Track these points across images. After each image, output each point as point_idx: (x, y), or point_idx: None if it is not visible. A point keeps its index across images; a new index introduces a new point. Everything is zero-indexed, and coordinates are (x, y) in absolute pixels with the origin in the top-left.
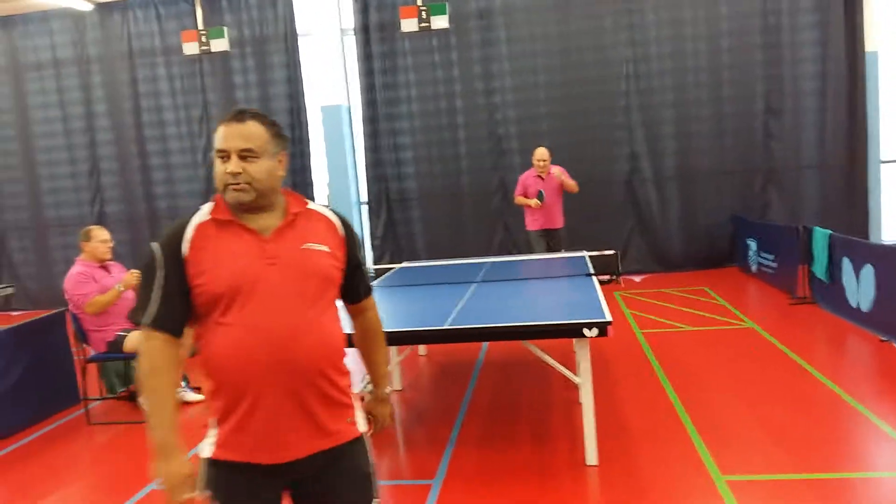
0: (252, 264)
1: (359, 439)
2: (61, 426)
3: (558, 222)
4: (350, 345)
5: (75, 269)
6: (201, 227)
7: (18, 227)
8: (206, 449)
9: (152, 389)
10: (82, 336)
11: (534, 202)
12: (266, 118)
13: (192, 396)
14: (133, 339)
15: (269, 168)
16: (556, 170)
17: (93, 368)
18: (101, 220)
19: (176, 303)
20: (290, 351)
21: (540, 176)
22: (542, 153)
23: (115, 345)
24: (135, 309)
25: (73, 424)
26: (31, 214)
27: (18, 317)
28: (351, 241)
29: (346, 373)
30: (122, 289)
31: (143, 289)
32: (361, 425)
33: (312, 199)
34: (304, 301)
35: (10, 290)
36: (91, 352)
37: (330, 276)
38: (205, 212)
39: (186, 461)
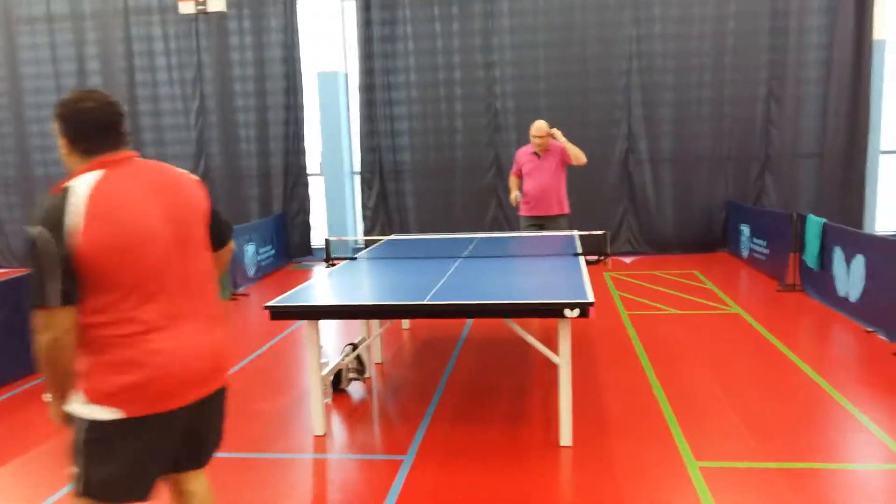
0: None
1: None
2: (40, 385)
3: (557, 208)
4: None
5: None
6: None
7: (6, 184)
8: None
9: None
10: None
11: (511, 197)
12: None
13: None
14: None
15: (62, 148)
16: (557, 135)
17: None
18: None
19: None
20: None
21: (536, 153)
22: (538, 128)
23: None
24: None
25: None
26: (19, 171)
27: (2, 274)
28: None
29: None
30: None
31: None
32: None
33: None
34: None
35: None
36: None
37: None
38: None
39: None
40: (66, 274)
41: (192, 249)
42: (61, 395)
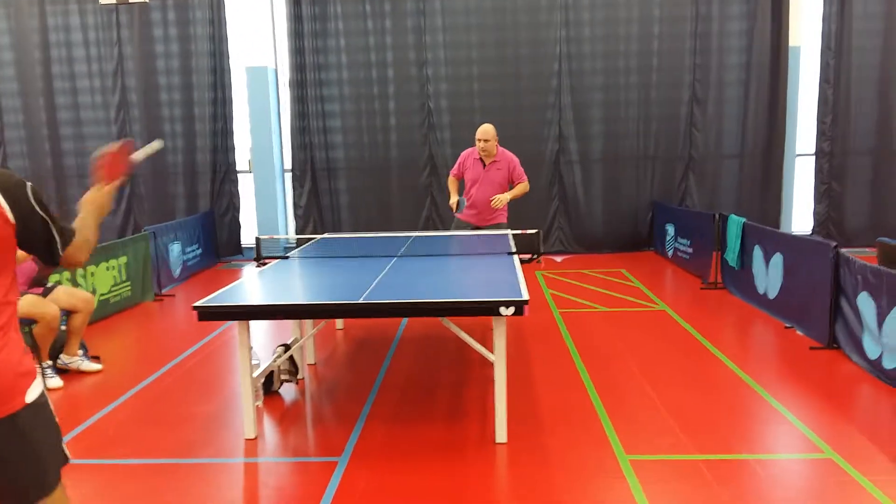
0: None
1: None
2: None
3: (494, 218)
4: None
5: None
6: None
7: None
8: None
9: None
10: None
11: (451, 202)
12: None
13: (88, 366)
14: (27, 303)
15: None
16: (505, 161)
17: None
18: None
19: None
20: None
21: (482, 160)
22: (484, 131)
23: None
24: (66, 230)
25: None
26: None
27: None
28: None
29: None
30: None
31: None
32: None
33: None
34: None
35: None
36: None
37: None
38: None
39: None
40: None
41: None
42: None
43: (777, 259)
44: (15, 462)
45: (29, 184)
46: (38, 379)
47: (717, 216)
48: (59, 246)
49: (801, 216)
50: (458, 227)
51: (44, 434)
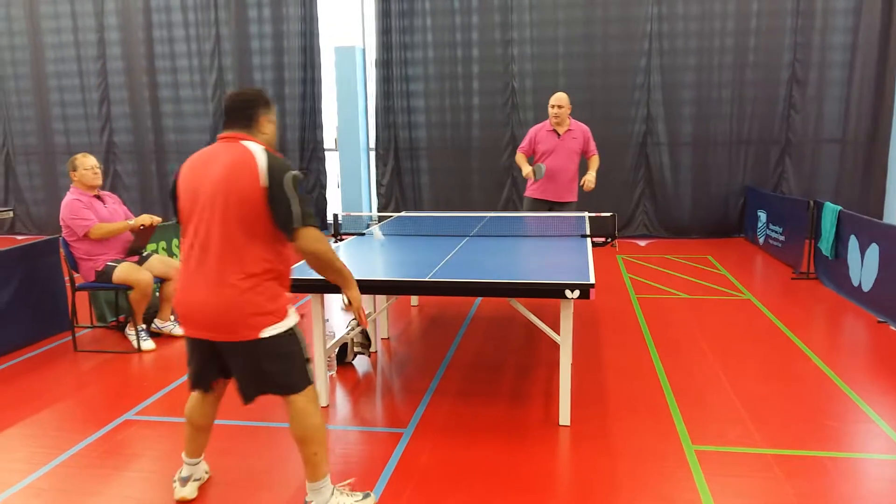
0: None
1: None
2: (47, 351)
3: (566, 195)
4: None
5: (72, 197)
6: None
7: (27, 152)
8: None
9: (341, 262)
10: (73, 264)
11: (526, 171)
12: None
13: (179, 331)
14: (123, 270)
15: None
16: (580, 130)
17: (84, 297)
18: (109, 150)
19: None
20: None
21: (555, 131)
22: (558, 98)
23: (104, 274)
24: (307, 214)
25: (59, 350)
26: (40, 139)
27: (21, 240)
28: None
29: None
30: (133, 224)
31: (304, 198)
32: None
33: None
34: None
35: (10, 213)
36: (81, 280)
37: None
38: None
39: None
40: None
41: (217, 217)
42: (347, 275)
43: (873, 250)
44: (249, 372)
45: (293, 172)
46: (285, 321)
47: (811, 203)
48: (293, 223)
49: None
50: (530, 208)
51: (276, 361)
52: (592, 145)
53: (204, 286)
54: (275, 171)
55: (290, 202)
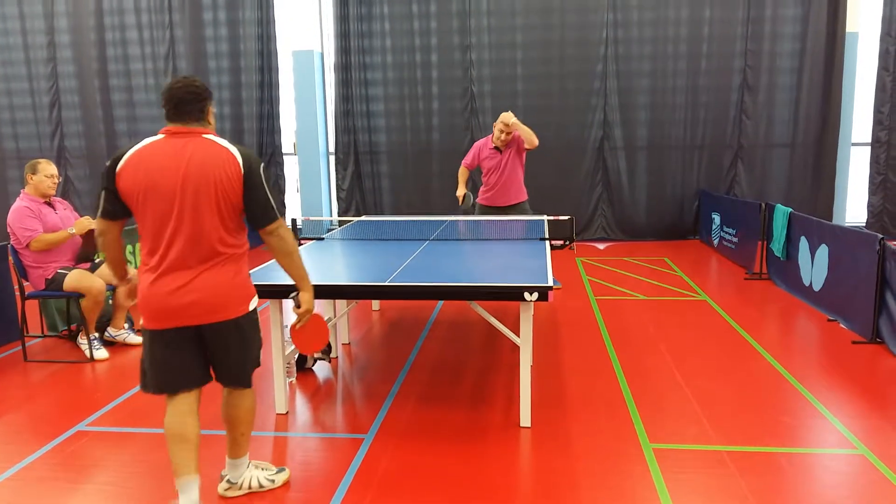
0: None
1: None
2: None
3: (515, 197)
4: None
5: (21, 204)
6: None
7: None
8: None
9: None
10: (21, 272)
11: (459, 193)
12: None
13: (133, 339)
14: (74, 278)
15: None
16: (517, 125)
17: (34, 305)
18: (60, 154)
19: None
20: None
21: (497, 149)
22: (509, 120)
23: (55, 282)
24: (281, 203)
25: (9, 361)
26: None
27: None
28: None
29: None
30: (73, 232)
31: (275, 191)
32: None
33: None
34: None
35: None
36: (30, 288)
37: None
38: None
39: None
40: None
41: (190, 209)
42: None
43: (823, 250)
44: (235, 350)
45: (262, 163)
46: (255, 298)
47: (763, 206)
48: (271, 211)
49: (855, 207)
50: (482, 213)
51: (253, 335)
52: (521, 135)
53: (188, 274)
54: (250, 161)
55: (267, 191)
